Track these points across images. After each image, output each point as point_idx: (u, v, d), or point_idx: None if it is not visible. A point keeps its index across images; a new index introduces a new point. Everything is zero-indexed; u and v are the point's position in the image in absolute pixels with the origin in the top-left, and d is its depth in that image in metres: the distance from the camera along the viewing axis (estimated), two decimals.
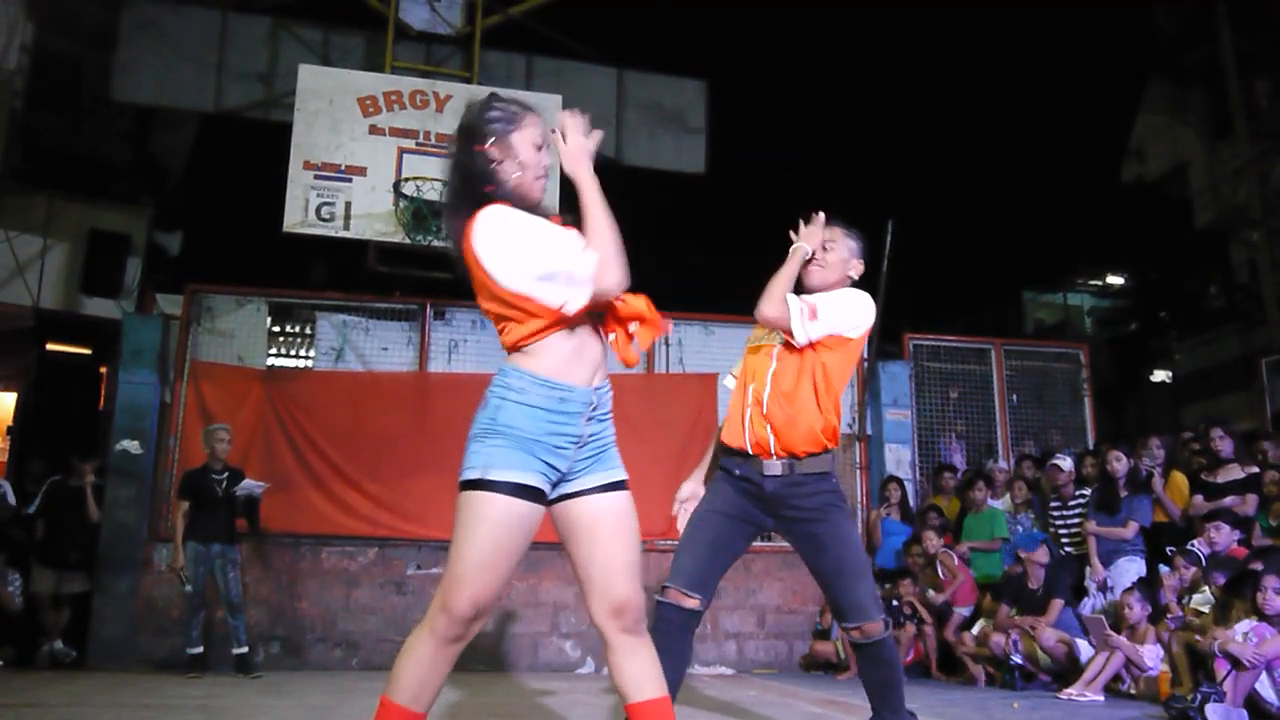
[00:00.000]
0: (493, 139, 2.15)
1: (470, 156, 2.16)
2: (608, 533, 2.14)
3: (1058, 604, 6.11)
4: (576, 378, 2.11)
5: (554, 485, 2.12)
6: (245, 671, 6.37)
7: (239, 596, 6.48)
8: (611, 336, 2.20)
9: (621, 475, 2.20)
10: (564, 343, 2.10)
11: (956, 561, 6.95)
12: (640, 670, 2.13)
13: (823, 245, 3.18)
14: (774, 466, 3.04)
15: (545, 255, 2.04)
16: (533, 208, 2.15)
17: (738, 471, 3.09)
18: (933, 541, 7.04)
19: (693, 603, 2.96)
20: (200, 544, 6.42)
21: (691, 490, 3.21)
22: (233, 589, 6.44)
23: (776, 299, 3.04)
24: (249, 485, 6.63)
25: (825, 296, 3.14)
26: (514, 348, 2.13)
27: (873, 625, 2.95)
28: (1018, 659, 6.13)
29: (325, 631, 7.31)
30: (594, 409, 2.14)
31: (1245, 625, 4.62)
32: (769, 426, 3.05)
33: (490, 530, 2.02)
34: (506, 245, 2.05)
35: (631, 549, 2.17)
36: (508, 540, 2.04)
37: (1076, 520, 6.67)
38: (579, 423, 2.11)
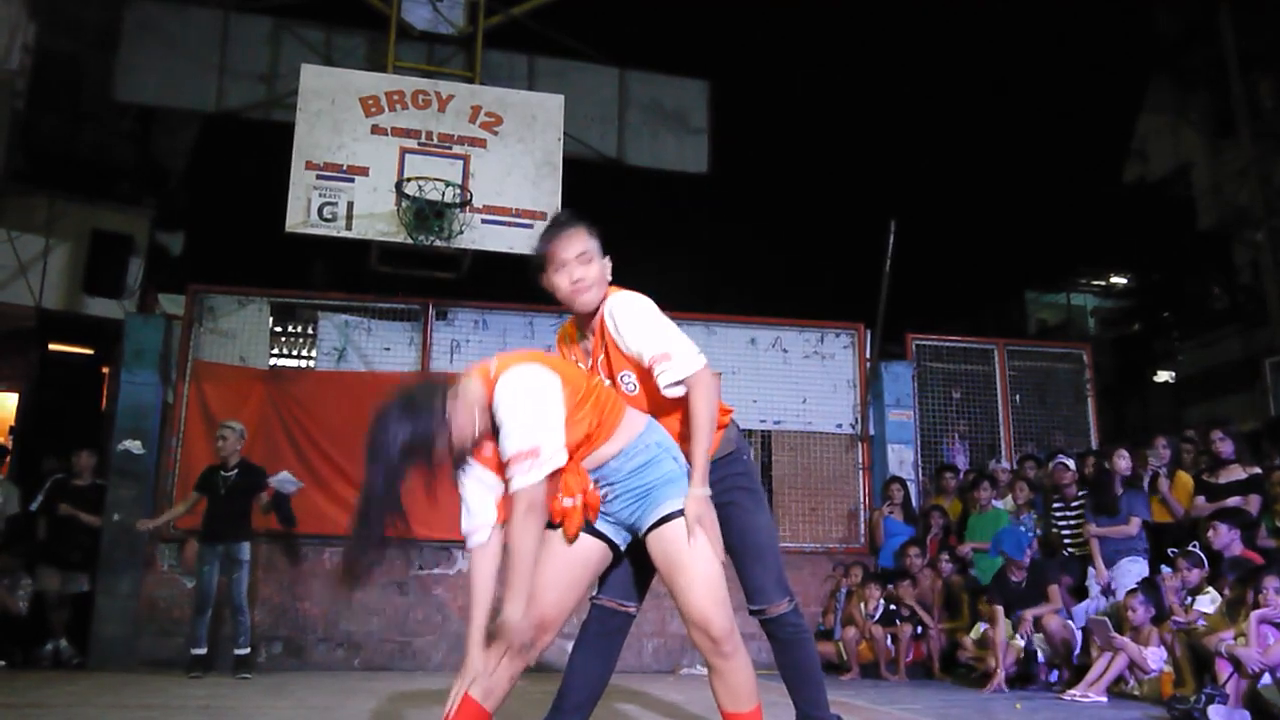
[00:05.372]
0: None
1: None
2: (662, 566, 2.48)
3: (1055, 590, 6.19)
4: None
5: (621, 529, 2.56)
6: (236, 671, 6.33)
7: (241, 597, 6.44)
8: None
9: (666, 511, 2.45)
10: None
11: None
12: (724, 690, 2.54)
13: (579, 258, 2.66)
14: None
15: None
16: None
17: None
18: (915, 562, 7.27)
19: (627, 609, 2.86)
20: (207, 542, 6.42)
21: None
22: (235, 589, 6.43)
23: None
24: (282, 480, 6.67)
25: (643, 327, 2.67)
26: None
27: (775, 608, 2.92)
28: (1039, 653, 6.15)
29: (327, 632, 7.30)
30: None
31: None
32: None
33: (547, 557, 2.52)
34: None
35: (686, 573, 2.43)
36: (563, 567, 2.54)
37: (1079, 521, 6.66)
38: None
